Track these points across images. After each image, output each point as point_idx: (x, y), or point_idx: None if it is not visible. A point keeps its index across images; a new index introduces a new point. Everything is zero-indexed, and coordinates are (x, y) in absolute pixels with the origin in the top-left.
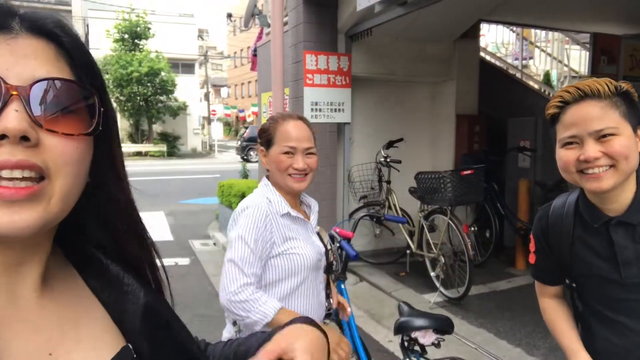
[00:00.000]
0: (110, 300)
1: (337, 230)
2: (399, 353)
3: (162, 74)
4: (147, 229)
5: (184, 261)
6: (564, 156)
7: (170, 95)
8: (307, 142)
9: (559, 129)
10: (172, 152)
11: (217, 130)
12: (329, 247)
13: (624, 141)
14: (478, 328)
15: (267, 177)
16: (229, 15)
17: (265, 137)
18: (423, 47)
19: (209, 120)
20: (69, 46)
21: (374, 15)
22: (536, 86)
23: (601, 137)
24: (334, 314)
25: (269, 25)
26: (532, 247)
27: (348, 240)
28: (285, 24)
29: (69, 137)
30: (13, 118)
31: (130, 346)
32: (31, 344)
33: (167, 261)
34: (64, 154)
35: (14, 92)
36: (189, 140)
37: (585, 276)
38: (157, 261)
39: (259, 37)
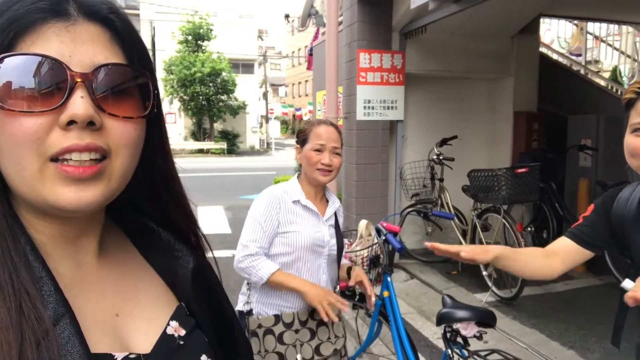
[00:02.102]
0: (162, 265)
1: (384, 224)
2: None
3: (224, 74)
4: (188, 200)
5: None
6: (633, 142)
7: (230, 95)
8: (335, 143)
9: (632, 115)
10: (232, 149)
11: (274, 129)
12: (375, 240)
13: None
14: (530, 328)
15: (299, 174)
16: (287, 16)
17: (301, 137)
18: (480, 43)
19: (266, 118)
20: (123, 31)
21: (428, 12)
22: (602, 83)
23: None
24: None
25: (324, 25)
26: (586, 212)
27: (395, 234)
28: (340, 23)
29: (128, 119)
30: (80, 104)
31: (183, 305)
32: (99, 307)
33: (225, 253)
34: (123, 136)
35: (79, 80)
36: (247, 138)
37: (637, 260)
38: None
39: (315, 37)
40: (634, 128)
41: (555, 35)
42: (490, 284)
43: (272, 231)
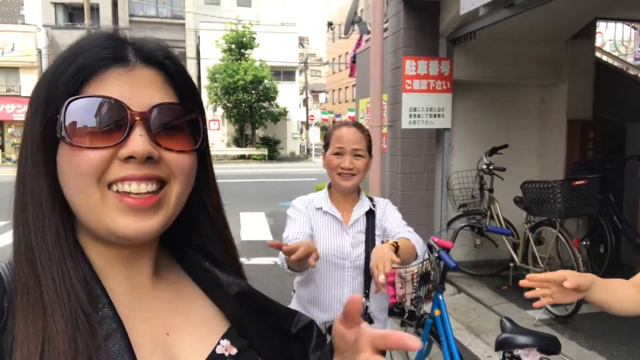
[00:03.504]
0: (211, 289)
1: (436, 239)
2: None
3: (265, 81)
4: (231, 236)
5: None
6: None
7: (272, 102)
8: (356, 145)
9: None
10: (273, 155)
11: (314, 135)
12: (426, 256)
13: None
14: (589, 350)
15: (329, 184)
16: (330, 24)
17: (325, 141)
18: (531, 49)
19: (307, 125)
20: (176, 74)
21: (477, 18)
22: None
23: None
24: (430, 325)
25: (368, 33)
26: None
27: (447, 250)
28: (385, 29)
29: (182, 152)
30: (139, 142)
31: (234, 327)
32: (151, 325)
33: (267, 260)
34: (178, 165)
35: (137, 118)
36: (288, 145)
37: None
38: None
39: (358, 44)
40: None
41: (612, 38)
42: None
43: (308, 223)
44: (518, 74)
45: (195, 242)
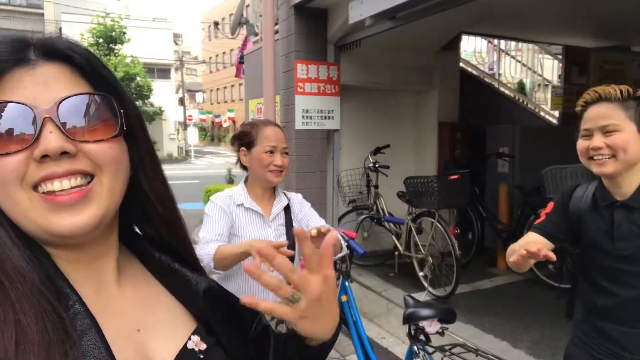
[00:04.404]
0: (175, 287)
1: (342, 230)
2: (392, 349)
3: (138, 79)
4: (183, 222)
5: None
6: (580, 145)
7: (146, 101)
8: (284, 143)
9: (580, 124)
10: None
11: (193, 136)
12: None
13: (624, 137)
14: (466, 324)
15: (245, 179)
16: (216, 24)
17: (246, 139)
18: (408, 58)
19: (184, 125)
20: (82, 63)
21: (363, 27)
22: (511, 94)
23: (606, 132)
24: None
25: (256, 34)
26: (547, 209)
27: (353, 240)
28: (276, 32)
29: (101, 141)
30: (51, 139)
31: (202, 325)
32: (121, 323)
33: None
34: (101, 156)
35: (46, 115)
36: (164, 146)
37: (587, 246)
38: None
39: (244, 45)
40: (581, 134)
41: (472, 49)
42: (426, 284)
43: (227, 223)
44: (396, 81)
45: (154, 238)
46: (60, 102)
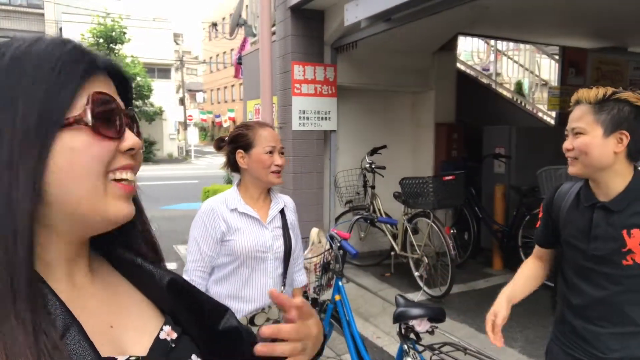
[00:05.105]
0: (141, 283)
1: (335, 231)
2: (387, 348)
3: (138, 78)
4: (150, 226)
5: (172, 266)
6: (565, 143)
7: (146, 101)
8: (280, 144)
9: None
10: (148, 157)
11: (193, 136)
12: (327, 247)
13: (586, 140)
14: (460, 323)
15: (238, 182)
16: (214, 25)
17: (243, 141)
18: (404, 59)
19: (185, 125)
20: (116, 78)
21: (359, 29)
22: (509, 95)
23: (575, 134)
24: (331, 310)
25: (254, 35)
26: (540, 214)
27: (346, 240)
28: (273, 33)
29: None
30: (132, 135)
31: (170, 317)
32: (96, 320)
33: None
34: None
35: (128, 115)
36: (164, 146)
37: (565, 243)
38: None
39: (243, 46)
40: (566, 133)
41: (469, 49)
42: (421, 284)
43: (213, 247)
44: (393, 82)
45: (121, 239)
46: (127, 110)
